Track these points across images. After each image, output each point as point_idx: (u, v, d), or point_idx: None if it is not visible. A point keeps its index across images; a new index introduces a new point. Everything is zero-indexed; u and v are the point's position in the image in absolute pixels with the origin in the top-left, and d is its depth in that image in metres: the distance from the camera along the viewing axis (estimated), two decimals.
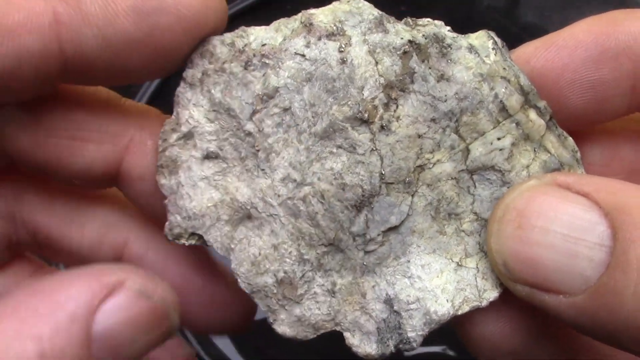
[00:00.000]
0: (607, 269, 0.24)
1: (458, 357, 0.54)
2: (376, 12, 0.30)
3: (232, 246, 0.30)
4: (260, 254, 0.30)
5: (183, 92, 0.31)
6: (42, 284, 0.26)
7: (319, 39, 0.29)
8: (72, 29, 0.27)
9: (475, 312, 0.31)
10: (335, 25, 0.29)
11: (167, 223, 0.31)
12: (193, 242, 0.31)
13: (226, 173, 0.31)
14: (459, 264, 0.30)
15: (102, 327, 0.26)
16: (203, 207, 0.30)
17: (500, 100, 0.29)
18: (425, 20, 0.30)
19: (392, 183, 0.29)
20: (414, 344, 0.29)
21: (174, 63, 0.30)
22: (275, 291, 0.30)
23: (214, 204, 0.30)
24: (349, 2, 0.30)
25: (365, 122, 0.29)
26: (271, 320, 0.30)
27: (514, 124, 0.29)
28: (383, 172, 0.29)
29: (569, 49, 0.30)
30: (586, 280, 0.25)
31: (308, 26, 0.29)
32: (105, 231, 0.34)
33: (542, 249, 0.26)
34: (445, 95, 0.29)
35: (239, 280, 0.30)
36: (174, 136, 0.31)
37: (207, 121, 0.30)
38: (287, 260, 0.30)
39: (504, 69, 0.29)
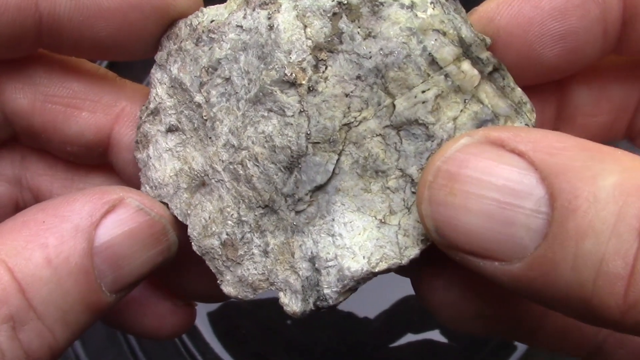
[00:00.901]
0: (545, 239, 0.23)
1: (449, 343, 0.53)
2: None
3: (189, 212, 0.32)
4: (209, 217, 0.31)
5: (154, 73, 0.33)
6: (49, 202, 0.29)
7: (254, 9, 0.30)
8: None
9: (434, 279, 0.30)
10: None
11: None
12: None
13: (186, 144, 0.33)
14: (382, 221, 0.29)
15: (104, 239, 0.28)
16: (166, 176, 0.33)
17: (429, 53, 0.28)
18: None
19: (318, 142, 0.29)
20: (330, 301, 0.29)
21: (143, 41, 0.32)
22: (220, 253, 0.31)
23: (175, 173, 0.32)
24: None
25: (294, 85, 0.29)
26: (219, 282, 0.32)
27: (442, 76, 0.28)
28: (309, 132, 0.29)
29: (532, 1, 0.29)
30: (523, 249, 0.23)
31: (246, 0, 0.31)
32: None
33: (476, 216, 0.24)
34: (370, 52, 0.29)
35: (192, 243, 0.32)
36: (145, 113, 0.33)
37: (168, 97, 0.33)
38: (229, 222, 0.31)
39: (442, 21, 0.28)
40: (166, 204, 0.33)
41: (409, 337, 0.51)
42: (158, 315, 0.37)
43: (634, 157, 0.23)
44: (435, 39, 0.28)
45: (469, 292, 0.31)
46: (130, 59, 0.34)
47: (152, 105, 0.33)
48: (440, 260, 0.29)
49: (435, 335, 0.53)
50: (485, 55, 0.29)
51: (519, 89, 0.29)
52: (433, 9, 0.29)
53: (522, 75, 0.30)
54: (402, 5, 0.29)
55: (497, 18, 0.29)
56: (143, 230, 0.30)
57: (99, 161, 0.36)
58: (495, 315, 0.32)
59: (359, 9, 0.29)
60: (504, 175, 0.24)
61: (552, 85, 0.33)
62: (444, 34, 0.28)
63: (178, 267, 0.35)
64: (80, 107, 0.34)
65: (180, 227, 0.32)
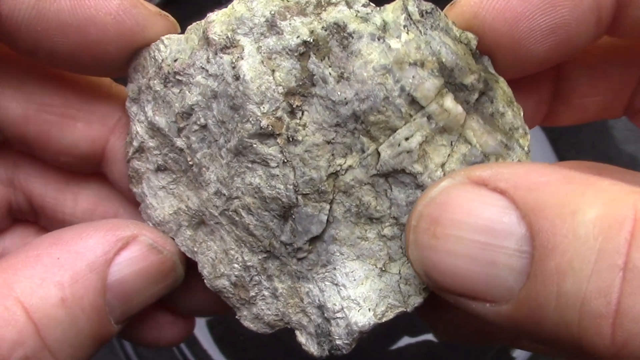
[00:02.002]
0: (528, 279, 0.22)
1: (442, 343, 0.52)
2: (268, 11, 0.27)
3: (195, 249, 0.32)
4: (216, 257, 0.31)
5: (129, 107, 0.32)
6: (63, 234, 0.29)
7: (216, 53, 0.28)
8: None
9: (434, 296, 0.30)
10: (227, 37, 0.28)
11: None
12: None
13: (177, 183, 0.32)
14: (383, 269, 0.29)
15: (116, 277, 0.29)
16: (166, 214, 0.32)
17: (408, 93, 0.26)
18: None
19: (307, 194, 0.28)
20: (343, 351, 0.29)
21: (105, 64, 0.31)
22: (233, 292, 0.31)
23: (174, 211, 0.32)
24: (244, 1, 0.28)
25: (272, 135, 0.28)
26: (237, 316, 0.32)
27: (425, 118, 0.26)
28: (296, 184, 0.28)
29: None
30: (509, 290, 0.23)
31: (206, 39, 0.28)
32: (98, 202, 0.36)
33: (460, 259, 0.24)
34: (345, 98, 0.27)
35: (205, 281, 0.32)
36: (131, 149, 0.32)
37: (149, 137, 0.31)
38: (235, 265, 0.31)
39: (418, 47, 0.26)
40: (172, 239, 0.32)
41: (407, 340, 0.51)
42: (157, 325, 0.37)
43: (622, 186, 0.22)
44: (413, 76, 0.26)
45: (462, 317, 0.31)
46: (92, 75, 0.33)
47: (135, 143, 0.32)
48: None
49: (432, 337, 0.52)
50: (469, 80, 0.27)
51: (510, 112, 0.27)
52: (407, 33, 0.26)
53: (511, 70, 0.28)
54: (373, 36, 0.26)
55: (481, 13, 0.27)
56: (154, 268, 0.30)
57: (93, 170, 0.35)
58: (492, 331, 0.32)
59: (327, 43, 0.27)
60: (485, 216, 0.23)
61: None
62: (422, 64, 0.26)
63: (180, 287, 0.35)
64: (75, 117, 0.33)
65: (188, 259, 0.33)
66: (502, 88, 0.28)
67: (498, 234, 0.23)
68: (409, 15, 0.26)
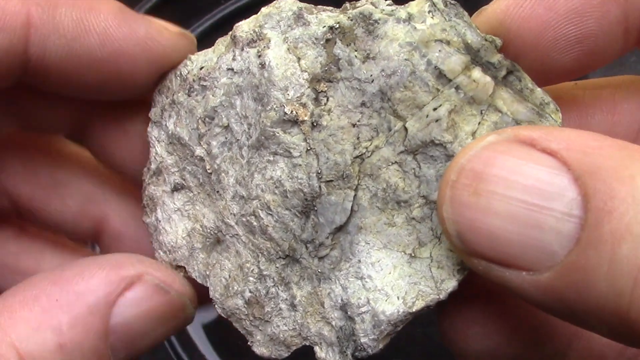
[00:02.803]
0: (577, 244, 0.21)
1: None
2: (296, 6, 0.28)
3: (207, 273, 0.30)
4: (229, 276, 0.29)
5: (150, 131, 0.32)
6: (64, 273, 0.27)
7: (242, 49, 0.29)
8: (41, 33, 0.28)
9: (456, 315, 0.28)
10: (254, 31, 0.28)
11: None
12: (182, 274, 0.31)
13: (194, 202, 0.31)
14: (413, 255, 0.27)
15: (119, 320, 0.27)
16: (179, 238, 0.31)
17: (435, 66, 0.26)
18: (364, 0, 0.28)
19: (331, 180, 0.27)
20: (369, 350, 0.27)
21: (133, 89, 0.31)
22: (246, 312, 0.29)
23: (187, 233, 0.31)
24: (273, 4, 0.29)
25: (296, 123, 0.27)
26: (249, 343, 0.30)
27: (453, 89, 0.26)
28: (320, 171, 0.27)
29: (545, 3, 0.26)
30: (552, 256, 0.21)
31: (234, 39, 0.29)
32: (86, 204, 0.35)
33: (502, 219, 0.22)
34: (371, 75, 0.27)
35: (216, 306, 0.30)
36: (148, 175, 0.32)
37: (168, 154, 0.31)
38: (251, 278, 0.29)
39: (444, 30, 0.26)
40: (183, 267, 0.31)
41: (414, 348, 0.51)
42: None
43: None
44: (439, 50, 0.26)
45: (493, 327, 0.29)
46: (114, 99, 0.33)
47: (153, 166, 0.31)
48: (460, 295, 0.27)
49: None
50: (496, 58, 0.27)
51: (539, 89, 0.27)
52: (432, 18, 0.26)
53: (534, 78, 0.28)
54: (399, 20, 0.27)
55: (507, 21, 0.27)
56: (160, 309, 0.28)
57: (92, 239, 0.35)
58: (518, 353, 0.30)
59: (352, 30, 0.27)
60: (534, 175, 0.22)
61: None
62: (448, 43, 0.26)
63: None
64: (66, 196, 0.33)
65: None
66: (528, 77, 0.27)
67: (547, 196, 0.21)
68: (434, 4, 0.27)
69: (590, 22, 0.26)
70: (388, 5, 0.27)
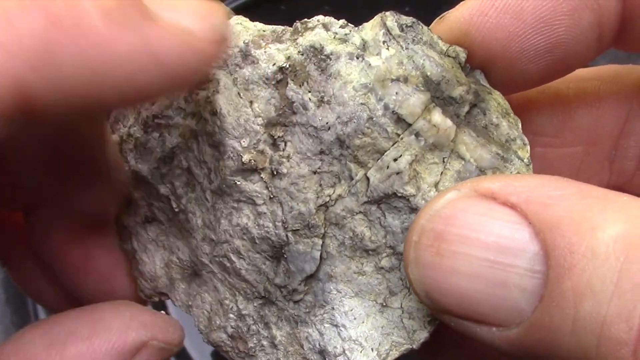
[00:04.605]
0: (541, 301, 0.20)
1: None
2: (242, 40, 0.26)
3: (190, 303, 0.30)
4: (211, 309, 0.30)
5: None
6: (58, 335, 0.27)
7: (192, 90, 0.27)
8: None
9: (436, 343, 0.28)
10: None
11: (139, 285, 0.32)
12: (166, 298, 0.31)
13: (167, 234, 0.30)
14: (384, 304, 0.27)
15: None
16: (157, 269, 0.31)
17: (393, 111, 0.25)
18: (315, 20, 0.26)
19: (297, 230, 0.27)
20: None
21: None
22: (231, 345, 0.30)
23: (165, 264, 0.30)
24: None
25: (256, 171, 0.26)
26: None
27: (413, 136, 0.25)
28: (285, 220, 0.26)
29: (512, 11, 0.25)
30: (520, 313, 0.21)
31: None
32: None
33: (466, 278, 0.22)
34: (327, 123, 0.25)
35: (202, 336, 0.30)
36: (119, 204, 0.31)
37: (133, 188, 0.30)
38: (231, 315, 0.29)
39: (400, 63, 0.25)
40: (166, 295, 0.31)
41: None
42: None
43: None
44: (397, 92, 0.24)
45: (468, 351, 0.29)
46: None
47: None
48: (442, 333, 0.27)
49: None
50: (458, 92, 0.25)
51: (505, 122, 0.26)
52: (387, 49, 0.25)
53: (502, 88, 0.27)
54: (352, 55, 0.25)
55: (471, 31, 0.26)
56: None
57: None
58: None
59: (304, 68, 0.25)
60: (495, 232, 0.21)
61: None
62: (406, 79, 0.25)
63: None
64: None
65: None
66: (497, 100, 0.26)
67: (509, 252, 0.21)
68: (388, 31, 0.25)
69: (561, 30, 0.25)
70: (341, 27, 0.26)
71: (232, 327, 0.29)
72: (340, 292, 0.27)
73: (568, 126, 0.30)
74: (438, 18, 0.27)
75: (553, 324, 0.20)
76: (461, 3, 0.26)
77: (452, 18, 0.26)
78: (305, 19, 0.26)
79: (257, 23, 0.27)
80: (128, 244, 0.31)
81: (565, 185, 0.21)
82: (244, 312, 0.29)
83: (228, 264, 0.28)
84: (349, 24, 0.26)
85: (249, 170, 0.26)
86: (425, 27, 0.26)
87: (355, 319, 0.27)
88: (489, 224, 0.21)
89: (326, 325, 0.27)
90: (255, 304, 0.28)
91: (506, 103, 0.26)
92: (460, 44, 0.26)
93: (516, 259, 0.21)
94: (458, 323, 0.23)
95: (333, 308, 0.27)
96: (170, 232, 0.30)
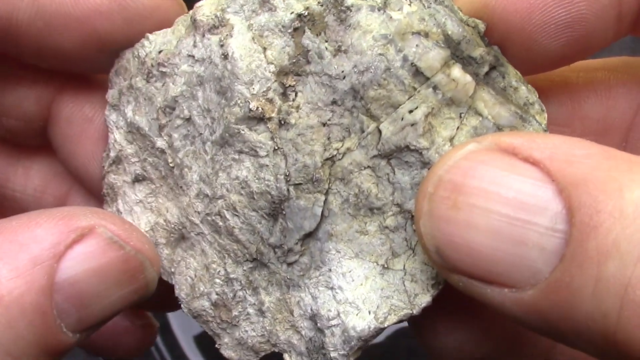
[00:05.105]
0: (562, 261, 0.19)
1: None
2: None
3: (172, 270, 0.28)
4: (195, 275, 0.28)
5: (108, 115, 0.29)
6: (9, 223, 0.24)
7: (203, 35, 0.26)
8: None
9: (438, 321, 0.27)
10: (216, 15, 0.26)
11: None
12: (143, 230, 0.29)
13: (157, 194, 0.29)
14: (385, 266, 0.25)
15: (67, 274, 0.24)
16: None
17: (412, 63, 0.24)
18: None
19: (300, 184, 0.25)
20: None
21: (110, 55, 0.29)
22: (213, 314, 0.28)
23: (151, 227, 0.29)
24: None
25: (262, 120, 0.25)
26: (217, 345, 0.28)
27: (430, 89, 0.24)
28: (288, 173, 0.25)
29: None
30: (536, 273, 0.20)
31: (194, 23, 0.26)
32: (50, 179, 0.33)
33: (482, 234, 0.21)
34: (343, 72, 0.24)
35: (182, 305, 0.28)
36: (107, 162, 0.30)
37: (127, 143, 0.29)
38: (217, 280, 0.27)
39: (422, 19, 0.24)
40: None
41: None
42: (114, 333, 0.34)
43: None
44: (417, 45, 0.24)
45: (473, 335, 0.28)
46: (96, 72, 0.30)
47: (112, 154, 0.29)
48: (441, 301, 0.26)
49: None
50: (478, 53, 0.25)
51: (524, 87, 0.25)
52: (410, 5, 0.24)
53: (523, 66, 0.26)
54: (373, 8, 0.24)
55: (491, 2, 0.25)
56: (114, 267, 0.25)
57: (39, 141, 0.32)
58: (499, 358, 0.29)
59: (323, 18, 0.25)
60: (516, 187, 0.20)
61: None
62: (426, 35, 0.24)
63: None
64: (18, 75, 0.30)
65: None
66: (514, 69, 0.26)
67: (530, 209, 0.20)
68: None
69: (582, 4, 0.25)
70: None
71: (217, 294, 0.27)
72: (340, 252, 0.26)
73: (577, 115, 0.29)
74: None
75: (573, 284, 0.19)
76: None
77: None
78: None
79: None
80: (113, 205, 0.30)
81: (589, 145, 0.20)
82: (231, 275, 0.27)
83: (221, 223, 0.27)
84: None
85: (255, 119, 0.25)
86: None
87: (353, 280, 0.26)
88: (510, 179, 0.20)
89: (321, 288, 0.26)
90: (245, 267, 0.27)
91: (521, 76, 0.26)
92: (479, 17, 0.26)
93: (537, 217, 0.20)
94: (467, 283, 0.22)
95: (330, 269, 0.26)
96: (160, 191, 0.29)
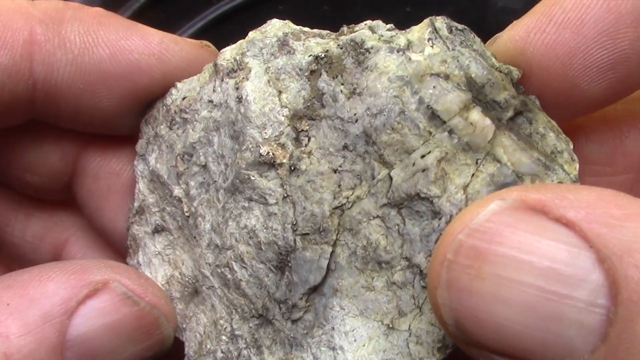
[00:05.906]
0: (604, 341, 0.17)
1: None
2: (282, 32, 0.25)
3: (184, 326, 0.27)
4: (204, 332, 0.27)
5: (136, 165, 0.29)
6: (21, 276, 0.24)
7: (222, 79, 0.26)
8: (46, 50, 0.26)
9: None
10: (235, 59, 0.25)
11: None
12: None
13: (174, 245, 0.28)
14: (390, 326, 0.23)
15: (79, 331, 0.23)
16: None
17: (428, 105, 0.22)
18: (362, 24, 0.25)
19: (307, 234, 0.24)
20: None
21: (143, 110, 0.28)
22: None
23: (167, 280, 0.28)
24: (259, 28, 0.26)
25: (273, 166, 0.24)
26: None
27: (445, 133, 0.22)
28: (295, 222, 0.24)
29: (573, 25, 0.23)
30: (573, 353, 0.18)
31: (216, 67, 0.26)
32: (50, 227, 0.33)
33: (511, 309, 0.18)
34: (355, 114, 0.23)
35: None
36: (132, 213, 0.29)
37: (149, 192, 0.28)
38: (223, 337, 0.26)
39: (444, 61, 0.23)
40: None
41: None
42: None
43: None
44: (434, 86, 0.22)
45: None
46: (129, 133, 0.30)
47: (136, 204, 0.29)
48: None
49: None
50: (502, 97, 0.23)
51: (552, 133, 0.23)
52: (432, 47, 0.23)
53: (562, 112, 0.24)
54: (392, 49, 0.23)
55: (529, 49, 0.23)
56: (128, 323, 0.25)
57: (62, 196, 0.31)
58: None
59: (341, 61, 0.24)
60: (550, 255, 0.18)
61: None
62: (447, 77, 0.22)
63: None
64: (44, 132, 0.30)
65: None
66: (546, 117, 0.24)
67: (567, 281, 0.18)
68: (436, 31, 0.23)
69: (625, 44, 0.23)
70: (388, 30, 0.24)
71: (222, 352, 0.26)
72: (344, 309, 0.24)
73: (619, 152, 0.27)
74: (490, 41, 0.25)
75: None
76: (515, 22, 0.24)
77: (505, 37, 0.24)
78: (353, 24, 0.25)
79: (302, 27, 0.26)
80: (135, 258, 0.29)
81: (627, 203, 0.18)
82: (237, 332, 0.26)
83: (229, 275, 0.26)
84: (395, 28, 0.24)
85: (266, 164, 0.24)
86: (477, 38, 0.24)
87: (355, 340, 0.24)
88: (542, 244, 0.18)
89: (322, 348, 0.24)
90: (251, 324, 0.26)
91: (555, 124, 0.24)
92: (515, 65, 0.24)
93: (575, 290, 0.18)
94: (489, 358, 0.19)
95: (333, 328, 0.24)
96: (178, 243, 0.28)
